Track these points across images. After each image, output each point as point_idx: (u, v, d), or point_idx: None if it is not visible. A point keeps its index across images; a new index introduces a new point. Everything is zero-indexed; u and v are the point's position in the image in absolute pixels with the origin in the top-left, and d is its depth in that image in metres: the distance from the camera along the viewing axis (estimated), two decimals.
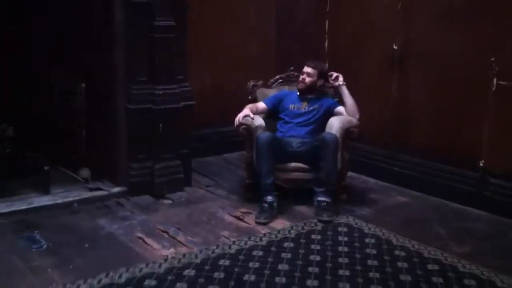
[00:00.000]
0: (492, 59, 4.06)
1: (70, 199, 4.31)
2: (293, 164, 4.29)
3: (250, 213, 4.12)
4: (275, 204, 4.09)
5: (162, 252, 3.42)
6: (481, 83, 4.15)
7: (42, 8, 4.92)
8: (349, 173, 4.58)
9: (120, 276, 3.03)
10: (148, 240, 3.60)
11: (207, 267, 3.16)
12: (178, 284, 2.97)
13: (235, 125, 4.22)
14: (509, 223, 3.95)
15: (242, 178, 4.65)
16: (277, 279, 3.03)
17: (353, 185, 4.74)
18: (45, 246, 3.50)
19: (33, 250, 3.43)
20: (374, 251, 3.43)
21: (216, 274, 3.07)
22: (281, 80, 4.95)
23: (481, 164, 4.23)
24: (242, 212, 4.15)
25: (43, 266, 3.20)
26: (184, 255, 3.35)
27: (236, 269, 3.13)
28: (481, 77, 4.14)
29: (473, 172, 4.26)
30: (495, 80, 4.08)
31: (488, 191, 4.14)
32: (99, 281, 2.97)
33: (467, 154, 4.27)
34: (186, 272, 3.10)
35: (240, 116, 4.24)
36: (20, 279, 3.03)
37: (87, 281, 2.97)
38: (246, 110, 4.31)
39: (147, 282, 2.97)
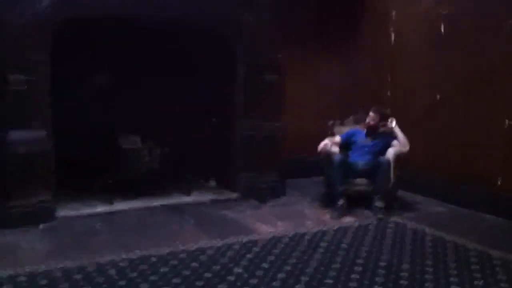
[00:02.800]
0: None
1: (203, 199, 6.05)
2: (359, 180, 5.83)
3: (326, 212, 5.65)
4: (344, 206, 5.61)
5: (268, 229, 5.04)
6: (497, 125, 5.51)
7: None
8: (402, 192, 6.00)
9: (242, 239, 4.67)
10: (258, 223, 5.24)
11: (296, 238, 4.75)
12: (278, 245, 4.56)
13: (318, 150, 5.81)
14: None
15: (322, 192, 6.18)
16: (342, 245, 4.56)
17: (404, 198, 6.14)
18: (192, 221, 5.24)
19: (186, 223, 5.17)
20: (410, 238, 4.84)
21: (302, 243, 4.63)
22: (352, 120, 6.52)
23: (499, 182, 5.54)
24: (321, 212, 5.69)
25: (194, 230, 4.92)
26: (281, 231, 4.95)
27: (315, 243, 4.67)
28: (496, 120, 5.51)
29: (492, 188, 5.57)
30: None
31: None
32: (228, 241, 4.62)
33: (486, 171, 5.59)
34: (283, 240, 4.70)
35: (322, 144, 5.83)
36: (182, 236, 4.74)
37: (224, 240, 4.64)
38: (326, 140, 5.90)
39: (259, 244, 4.58)
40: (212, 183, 6.47)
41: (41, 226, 5.01)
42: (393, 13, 6.83)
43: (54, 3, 4.95)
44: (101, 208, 5.53)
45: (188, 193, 6.15)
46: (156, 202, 5.85)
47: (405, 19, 6.71)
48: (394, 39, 6.85)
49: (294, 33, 6.67)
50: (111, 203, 5.65)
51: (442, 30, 6.18)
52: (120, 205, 5.65)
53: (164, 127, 6.26)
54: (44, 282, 3.73)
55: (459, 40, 5.99)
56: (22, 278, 3.79)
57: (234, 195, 6.23)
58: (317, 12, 7.04)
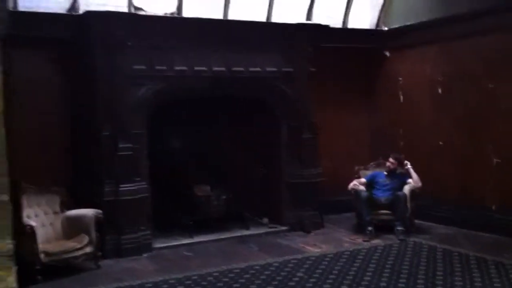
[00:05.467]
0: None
1: (260, 231, 7.41)
2: (382, 211, 7.16)
3: (358, 237, 6.96)
4: (372, 231, 6.92)
5: (315, 250, 6.39)
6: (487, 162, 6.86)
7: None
8: (418, 221, 7.29)
9: (297, 256, 6.01)
10: (306, 246, 6.59)
11: (338, 255, 6.08)
12: (325, 259, 5.89)
13: (348, 188, 7.19)
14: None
15: (354, 222, 7.49)
16: (373, 259, 5.86)
17: (419, 225, 7.40)
18: (256, 248, 6.61)
19: (251, 248, 6.54)
20: (426, 251, 6.13)
21: (342, 258, 5.96)
22: (374, 165, 7.91)
23: (493, 208, 6.82)
24: (354, 237, 7.01)
25: (259, 253, 6.29)
26: (325, 251, 6.28)
27: (352, 257, 5.99)
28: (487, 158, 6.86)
29: (487, 212, 6.84)
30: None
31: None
32: (286, 258, 5.96)
33: (482, 199, 6.88)
34: (328, 256, 6.03)
35: (351, 184, 7.23)
36: (251, 257, 6.08)
37: (283, 257, 6.00)
38: (355, 181, 7.29)
39: (310, 259, 5.92)
40: (265, 219, 7.85)
41: (144, 255, 6.40)
42: (400, 80, 8.32)
43: (150, 94, 6.55)
44: (184, 241, 6.93)
45: (247, 228, 7.52)
46: (224, 235, 7.24)
47: (410, 84, 8.19)
48: (403, 99, 8.31)
49: (326, 96, 8.08)
50: (191, 237, 7.04)
51: (440, 91, 7.64)
52: (198, 238, 7.04)
53: (227, 177, 7.70)
54: (165, 286, 5.13)
55: (452, 97, 7.44)
56: (149, 285, 5.18)
57: (283, 228, 7.58)
58: (343, 79, 8.47)
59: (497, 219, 6.75)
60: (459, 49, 7.35)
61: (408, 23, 8.04)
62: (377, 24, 8.69)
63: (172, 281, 5.29)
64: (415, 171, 7.25)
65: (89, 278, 5.55)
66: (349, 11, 8.53)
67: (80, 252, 5.82)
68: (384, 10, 8.57)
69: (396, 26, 8.32)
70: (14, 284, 1.50)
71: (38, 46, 6.48)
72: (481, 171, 7.05)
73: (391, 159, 7.46)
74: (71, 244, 5.88)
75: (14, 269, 1.50)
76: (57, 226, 6.18)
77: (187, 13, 7.18)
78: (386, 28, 8.55)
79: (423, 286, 4.96)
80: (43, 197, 6.21)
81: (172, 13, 7.18)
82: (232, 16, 7.52)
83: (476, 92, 7.12)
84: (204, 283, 5.24)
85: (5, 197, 1.49)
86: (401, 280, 5.14)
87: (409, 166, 7.31)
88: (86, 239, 5.90)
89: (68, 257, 5.75)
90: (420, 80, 7.99)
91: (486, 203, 6.93)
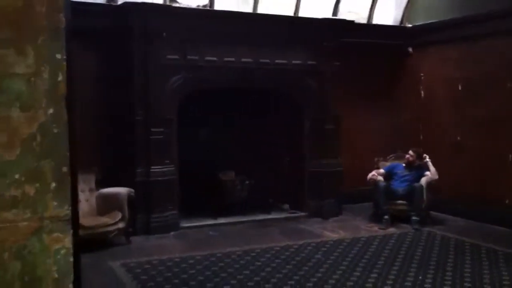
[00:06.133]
0: None
1: (281, 216, 7.72)
2: (399, 201, 7.38)
3: (375, 225, 7.20)
4: (388, 220, 7.15)
5: (333, 235, 6.67)
6: (503, 158, 7.01)
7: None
8: (434, 213, 7.49)
9: (316, 240, 6.30)
10: (325, 232, 6.86)
11: (354, 241, 6.35)
12: (342, 243, 6.17)
13: (367, 179, 7.43)
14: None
15: (371, 211, 7.74)
16: (388, 246, 6.11)
17: (435, 217, 7.60)
18: (277, 230, 6.89)
19: (271, 232, 6.83)
20: (439, 241, 6.36)
21: (358, 244, 6.23)
22: (393, 157, 8.12)
23: (507, 202, 6.99)
24: (371, 224, 7.25)
25: (279, 236, 6.58)
26: (342, 236, 6.55)
27: (368, 243, 6.25)
28: (503, 155, 7.01)
29: (502, 206, 7.01)
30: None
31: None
32: (306, 241, 6.25)
33: (497, 194, 7.05)
34: (345, 241, 6.31)
35: (370, 174, 7.48)
36: (272, 239, 6.38)
37: (303, 241, 6.28)
38: (374, 171, 7.52)
39: (328, 243, 6.20)
40: (286, 205, 8.14)
41: (172, 233, 6.77)
42: (422, 76, 8.48)
43: (182, 83, 6.88)
44: (209, 222, 7.28)
45: (268, 212, 7.83)
46: (247, 218, 7.57)
47: (431, 81, 8.35)
48: (424, 96, 8.48)
49: (349, 90, 8.26)
50: (215, 218, 7.38)
51: (460, 88, 7.79)
52: (222, 220, 7.38)
53: (251, 165, 8.02)
54: (191, 261, 5.48)
55: (472, 96, 7.59)
56: (177, 260, 5.54)
57: (303, 214, 7.86)
58: (367, 74, 8.63)
59: (511, 213, 6.91)
60: (480, 49, 7.49)
61: (431, 21, 8.19)
62: (401, 21, 8.85)
63: (198, 257, 5.64)
64: (433, 165, 7.44)
65: (121, 252, 5.94)
66: (375, 7, 8.71)
67: (113, 228, 6.21)
68: (408, 8, 8.72)
69: (420, 23, 8.47)
70: (70, 245, 1.81)
71: (78, 35, 6.80)
72: (497, 167, 7.21)
73: (410, 152, 7.66)
74: (104, 219, 6.27)
75: (70, 232, 1.80)
76: (92, 203, 6.57)
77: (218, 5, 7.47)
78: (410, 25, 8.70)
79: (433, 271, 5.21)
80: (80, 175, 6.61)
81: (204, 6, 7.47)
82: (261, 10, 7.78)
83: (495, 91, 7.27)
84: (228, 260, 5.58)
85: (65, 169, 1.78)
86: (413, 265, 5.39)
87: (427, 159, 7.51)
88: (119, 216, 6.28)
89: (102, 231, 6.14)
90: (441, 77, 8.15)
91: (501, 198, 7.09)
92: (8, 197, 1.65)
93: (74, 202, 1.83)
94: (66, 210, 1.75)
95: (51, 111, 1.70)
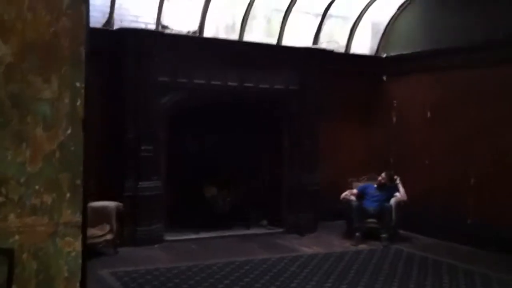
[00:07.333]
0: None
1: (259, 232, 7.95)
2: (370, 220, 7.70)
3: (347, 242, 7.48)
4: (360, 237, 7.45)
5: (307, 250, 6.94)
6: (466, 181, 7.39)
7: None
8: (403, 231, 7.81)
9: (292, 254, 6.54)
10: (300, 247, 7.13)
11: (327, 255, 6.63)
12: (315, 258, 6.43)
13: (341, 198, 7.73)
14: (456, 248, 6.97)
15: (344, 229, 8.02)
16: (358, 260, 6.40)
17: (404, 235, 7.92)
18: (255, 245, 7.12)
19: (251, 246, 7.06)
20: (405, 257, 6.67)
21: (331, 258, 6.52)
22: (366, 178, 8.45)
23: (468, 222, 7.35)
24: (344, 241, 7.54)
25: (258, 249, 6.81)
26: (316, 251, 6.81)
27: (340, 258, 6.52)
28: (466, 177, 7.39)
29: (464, 225, 7.36)
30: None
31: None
32: (282, 255, 6.49)
33: (460, 214, 7.41)
34: (318, 256, 6.57)
35: (343, 194, 7.78)
36: (251, 252, 6.61)
37: (279, 255, 6.52)
38: (347, 191, 7.84)
39: (303, 257, 6.46)
40: (264, 222, 8.39)
41: (156, 245, 6.95)
42: (395, 102, 8.89)
43: (172, 103, 7.16)
44: (192, 236, 7.47)
45: (248, 228, 8.06)
46: (228, 233, 7.80)
47: (403, 107, 8.76)
48: (395, 121, 8.87)
49: (328, 112, 8.61)
50: (197, 232, 7.58)
51: (428, 114, 8.20)
52: (204, 234, 7.59)
53: (233, 181, 8.26)
54: (175, 271, 5.68)
55: (440, 122, 8.00)
56: (163, 270, 5.73)
57: (280, 230, 8.11)
58: (344, 99, 8.98)
59: (472, 232, 7.26)
60: (448, 78, 7.94)
61: (405, 52, 8.63)
62: (377, 51, 9.28)
63: (183, 268, 5.86)
64: (403, 186, 7.78)
65: (109, 261, 6.13)
66: (352, 38, 9.14)
67: (102, 239, 6.40)
68: (384, 39, 9.16)
69: (394, 54, 8.91)
70: (80, 248, 2.03)
71: None
72: (461, 188, 7.60)
73: (382, 175, 8.00)
74: (93, 231, 6.43)
75: (80, 237, 2.03)
76: None
77: (207, 33, 7.79)
78: (384, 55, 9.13)
79: (398, 285, 5.51)
80: None
81: (194, 32, 7.79)
82: (247, 37, 8.12)
83: (460, 118, 7.68)
84: (209, 271, 5.81)
85: (79, 181, 2.02)
86: (380, 278, 5.69)
87: (398, 181, 7.86)
88: (107, 228, 6.47)
89: (91, 242, 6.29)
90: (412, 104, 8.57)
91: (463, 218, 7.44)
92: (29, 205, 1.88)
93: (84, 210, 2.06)
94: (77, 217, 1.99)
95: (69, 131, 1.94)
